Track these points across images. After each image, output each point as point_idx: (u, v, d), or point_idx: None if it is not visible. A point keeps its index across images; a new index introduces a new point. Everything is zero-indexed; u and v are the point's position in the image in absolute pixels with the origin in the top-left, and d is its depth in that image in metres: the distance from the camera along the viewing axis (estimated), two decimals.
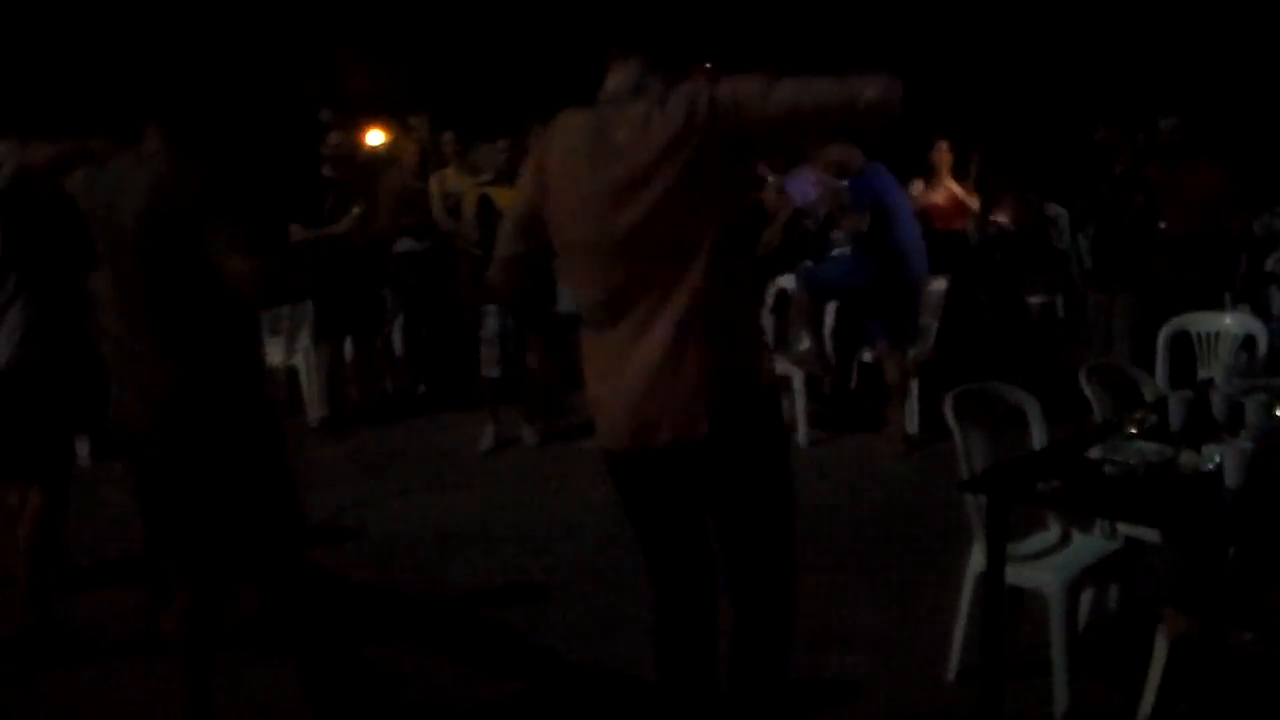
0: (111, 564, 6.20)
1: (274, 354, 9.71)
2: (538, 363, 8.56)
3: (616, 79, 3.20)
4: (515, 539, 6.54)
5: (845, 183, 8.11)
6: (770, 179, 9.33)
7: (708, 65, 3.29)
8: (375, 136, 23.72)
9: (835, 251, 8.82)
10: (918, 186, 10.08)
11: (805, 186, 8.99)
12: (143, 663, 4.90)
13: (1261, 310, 8.56)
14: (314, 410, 9.33)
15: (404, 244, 9.58)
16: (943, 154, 10.15)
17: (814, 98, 2.92)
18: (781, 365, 8.28)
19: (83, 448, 7.35)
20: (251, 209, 3.77)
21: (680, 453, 3.20)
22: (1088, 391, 5.02)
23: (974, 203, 10.18)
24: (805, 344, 8.36)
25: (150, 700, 4.60)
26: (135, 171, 3.76)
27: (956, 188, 10.17)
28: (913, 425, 8.07)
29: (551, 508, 7.09)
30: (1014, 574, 4.17)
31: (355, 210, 8.82)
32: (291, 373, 9.68)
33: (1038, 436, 4.57)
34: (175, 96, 3.86)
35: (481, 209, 8.17)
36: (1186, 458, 3.96)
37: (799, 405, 8.16)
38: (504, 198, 8.09)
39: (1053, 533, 4.66)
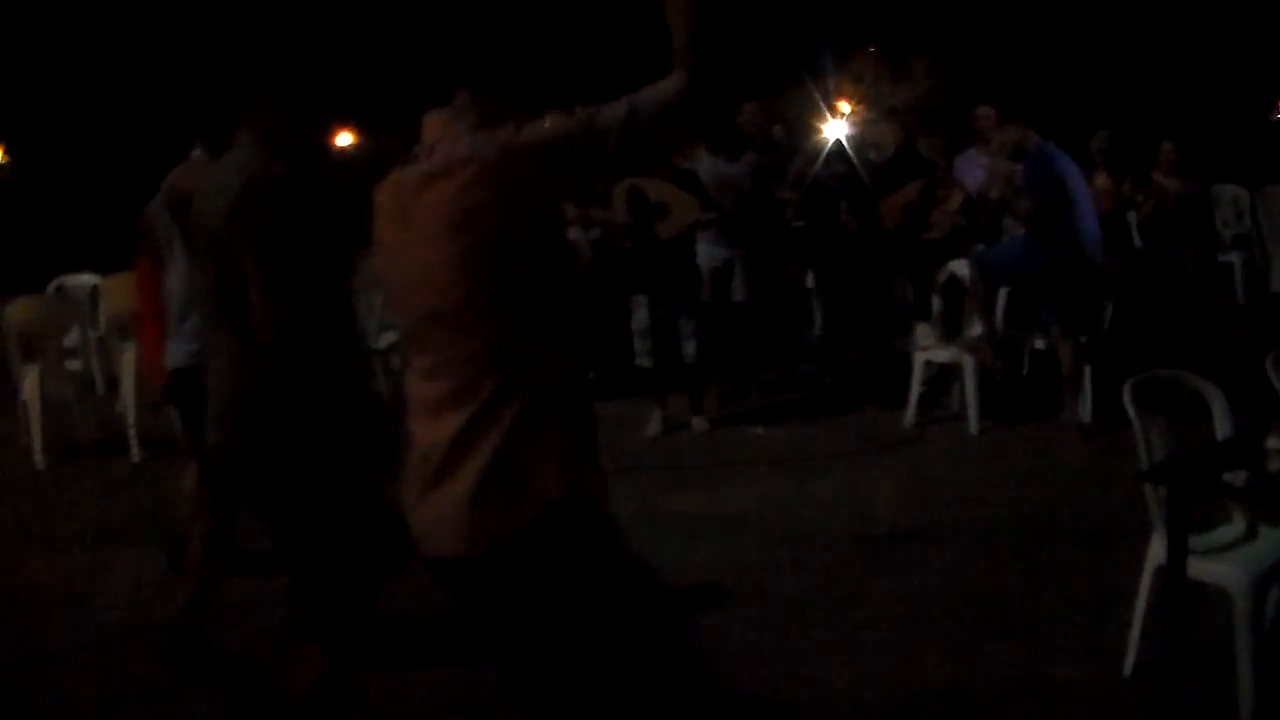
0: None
1: None
2: (695, 351, 8.57)
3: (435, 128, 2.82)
4: (685, 524, 6.55)
5: (1018, 166, 7.97)
6: (941, 163, 9.23)
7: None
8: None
9: (1008, 236, 8.66)
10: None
11: (975, 170, 8.85)
12: None
13: None
14: None
15: (574, 232, 9.65)
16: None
17: (645, 106, 2.58)
18: (952, 352, 8.18)
19: None
20: (311, 233, 3.55)
21: (444, 568, 2.72)
22: (1274, 379, 4.85)
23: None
24: (977, 330, 8.24)
25: None
26: (228, 174, 3.62)
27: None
28: (1086, 413, 7.89)
29: (717, 494, 7.09)
30: (1196, 568, 4.04)
31: None
32: None
33: (1222, 426, 4.43)
34: (275, 95, 3.66)
35: (631, 200, 8.19)
36: None
37: (970, 392, 8.03)
38: (653, 188, 8.11)
39: (1237, 526, 4.51)
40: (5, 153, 28.29)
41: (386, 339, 10.24)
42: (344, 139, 26.78)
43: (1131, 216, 10.61)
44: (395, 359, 10.33)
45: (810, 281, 10.26)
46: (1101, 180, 9.93)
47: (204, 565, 5.11)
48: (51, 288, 10.74)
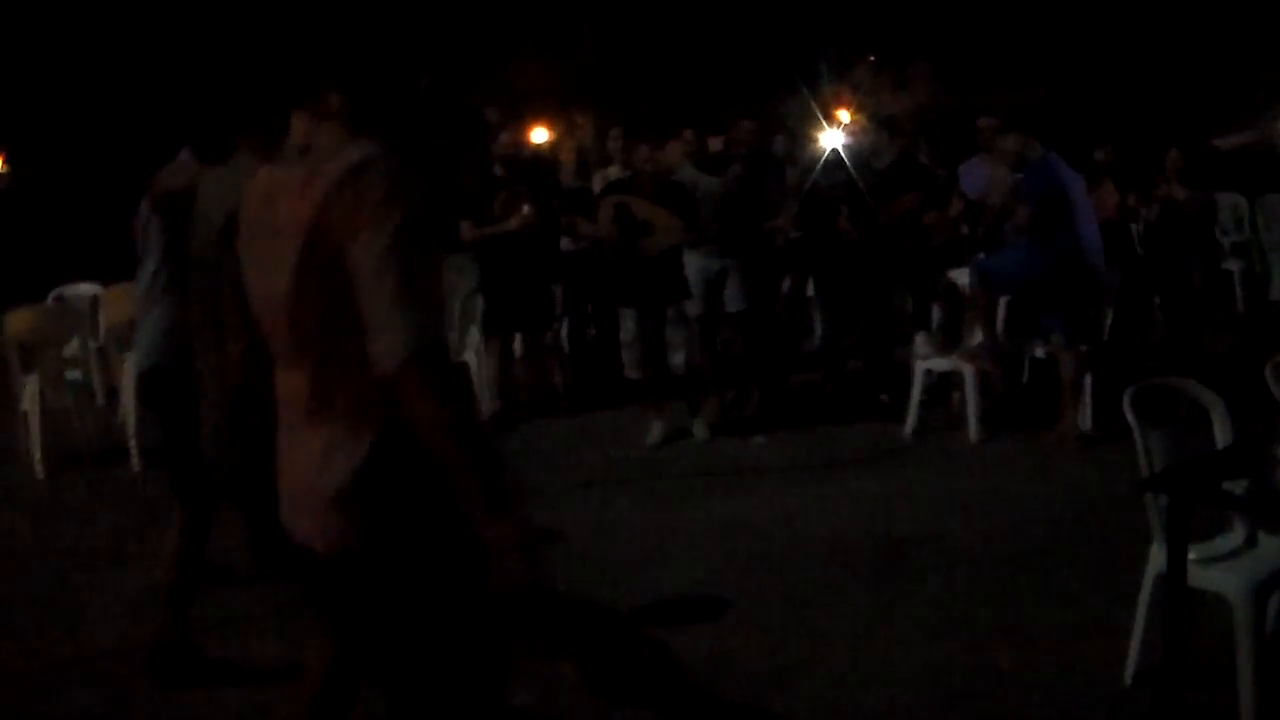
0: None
1: None
2: (698, 360, 8.58)
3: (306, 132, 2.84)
4: (687, 535, 6.55)
5: (1019, 174, 7.99)
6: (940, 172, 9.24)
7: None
8: (540, 134, 24.05)
9: (1009, 244, 8.67)
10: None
11: (978, 179, 8.86)
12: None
13: None
14: (484, 405, 9.46)
15: (566, 242, 9.68)
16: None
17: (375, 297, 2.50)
18: (952, 361, 8.18)
19: None
20: None
21: (308, 560, 2.74)
22: (1274, 387, 4.85)
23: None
24: (977, 338, 8.24)
25: None
26: (222, 184, 3.61)
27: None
28: (1087, 422, 7.89)
29: (719, 503, 7.09)
30: (1196, 576, 4.04)
31: (525, 209, 9.00)
32: (462, 368, 9.84)
33: (1222, 434, 4.42)
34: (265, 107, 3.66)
35: (618, 216, 8.23)
36: None
37: (970, 401, 8.03)
38: (638, 206, 8.14)
39: (1238, 534, 4.49)
40: (5, 162, 28.31)
41: None
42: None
43: (1136, 226, 10.61)
44: None
45: (810, 290, 10.28)
46: (1106, 190, 9.93)
47: (179, 578, 5.02)
48: (51, 297, 10.75)
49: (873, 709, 4.47)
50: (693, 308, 8.67)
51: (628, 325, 8.44)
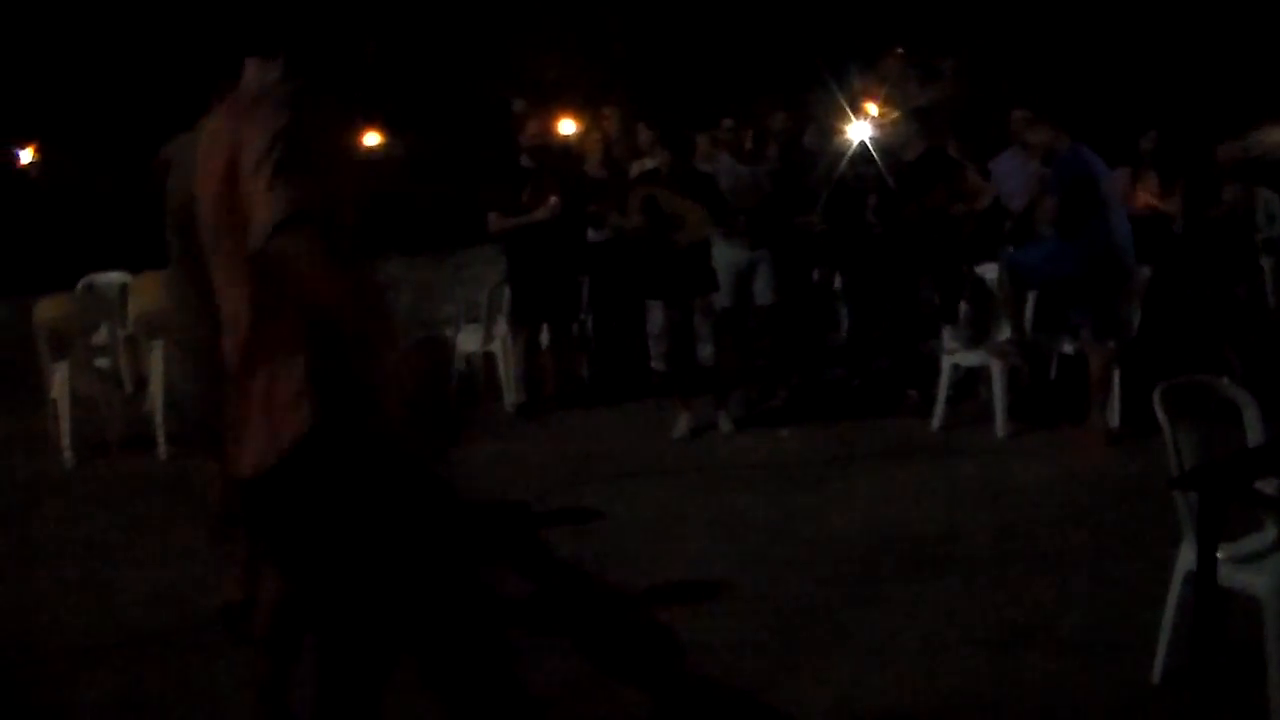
0: None
1: (471, 341, 9.93)
2: (725, 353, 8.55)
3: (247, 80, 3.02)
4: (710, 527, 6.54)
5: (1048, 168, 7.94)
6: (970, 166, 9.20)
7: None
8: (567, 126, 24.05)
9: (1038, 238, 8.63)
10: (1124, 174, 9.80)
11: (1011, 172, 8.81)
12: None
13: None
14: (510, 396, 9.48)
15: (591, 233, 9.68)
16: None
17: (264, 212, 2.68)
18: (980, 355, 8.15)
19: None
20: None
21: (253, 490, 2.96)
22: None
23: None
24: (1005, 333, 8.20)
25: None
26: (185, 150, 3.69)
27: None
28: (1114, 419, 7.84)
29: (744, 497, 7.08)
30: (1226, 575, 4.00)
31: (552, 200, 9.00)
32: (489, 358, 9.87)
33: (1253, 432, 4.38)
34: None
35: (647, 208, 8.20)
36: None
37: (998, 396, 8.00)
38: (667, 199, 8.13)
39: (1269, 534, 4.46)
40: (36, 151, 28.46)
41: (413, 338, 10.19)
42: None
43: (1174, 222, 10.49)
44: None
45: (837, 284, 10.25)
46: (1149, 181, 9.85)
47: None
48: (81, 286, 10.80)
49: (896, 706, 4.45)
50: (721, 300, 8.65)
51: (655, 317, 8.41)
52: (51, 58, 23.10)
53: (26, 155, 29.72)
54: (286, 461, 2.83)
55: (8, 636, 5.52)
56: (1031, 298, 8.48)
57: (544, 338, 9.68)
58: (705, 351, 8.40)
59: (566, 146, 11.19)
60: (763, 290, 8.84)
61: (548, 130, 11.07)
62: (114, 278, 10.72)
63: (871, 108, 11.33)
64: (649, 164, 9.57)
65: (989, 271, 8.49)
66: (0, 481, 8.31)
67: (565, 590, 5.83)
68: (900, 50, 16.51)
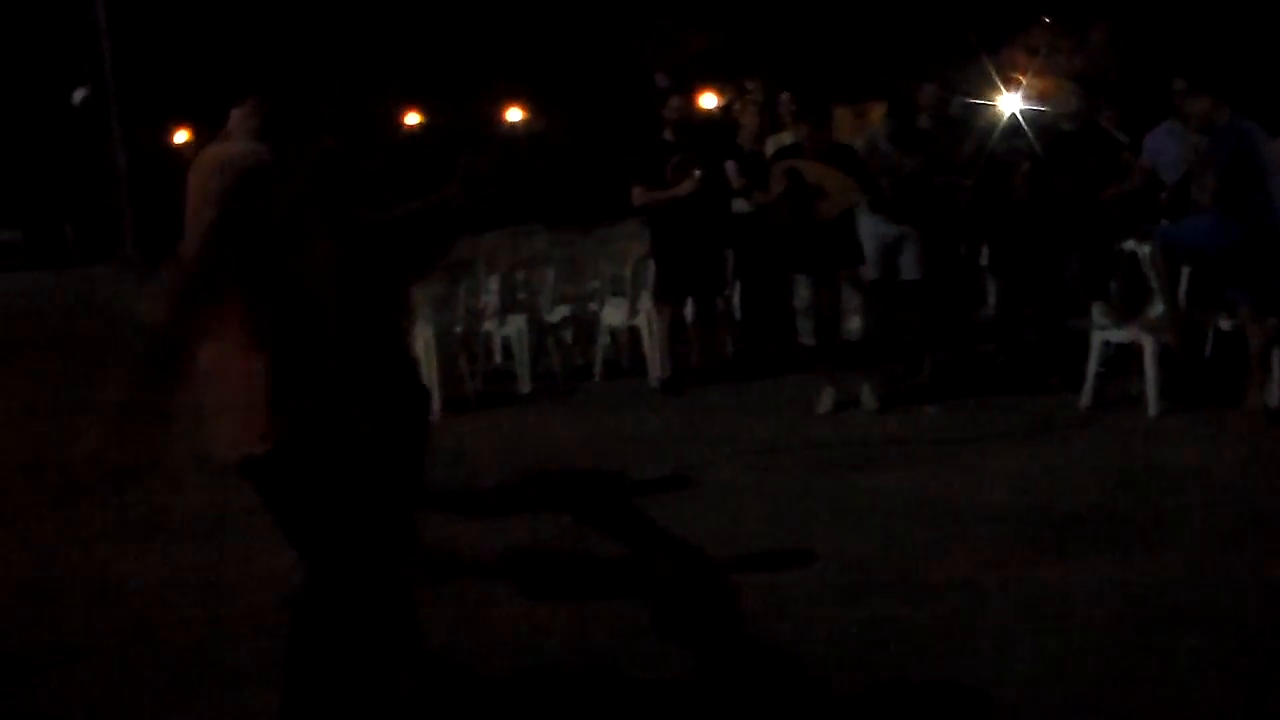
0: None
1: (615, 315, 10.00)
2: (860, 327, 8.48)
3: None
4: (851, 504, 6.50)
5: (1205, 139, 7.74)
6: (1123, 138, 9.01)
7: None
8: (709, 100, 24.05)
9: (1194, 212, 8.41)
10: None
11: (1167, 145, 8.60)
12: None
13: None
14: (655, 371, 9.53)
15: (736, 205, 9.66)
16: None
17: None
18: (1131, 332, 7.97)
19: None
20: None
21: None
22: None
23: None
24: (1158, 310, 8.01)
25: None
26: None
27: None
28: (1274, 398, 7.62)
29: (887, 473, 7.03)
30: None
31: (696, 174, 9.01)
32: (633, 333, 9.92)
33: None
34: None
35: (790, 181, 8.14)
36: None
37: (1150, 374, 7.82)
38: (811, 170, 8.06)
39: None
40: (190, 134, 29.33)
41: (560, 312, 10.36)
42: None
43: None
44: (567, 333, 10.48)
45: (984, 259, 10.11)
46: None
47: None
48: None
49: (1040, 687, 4.35)
50: (868, 273, 8.58)
51: (802, 291, 8.36)
52: (205, 39, 23.70)
53: (181, 137, 30.68)
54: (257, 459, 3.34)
55: (154, 605, 5.61)
56: (1186, 273, 8.27)
57: (688, 312, 9.68)
58: (853, 326, 8.33)
59: (713, 120, 11.20)
60: (909, 265, 8.75)
61: (691, 105, 11.09)
62: None
63: (1021, 79, 11.14)
64: (786, 138, 9.53)
65: (1140, 246, 8.30)
66: None
67: (699, 567, 5.83)
68: (1047, 19, 16.20)
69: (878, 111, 9.10)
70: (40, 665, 5.05)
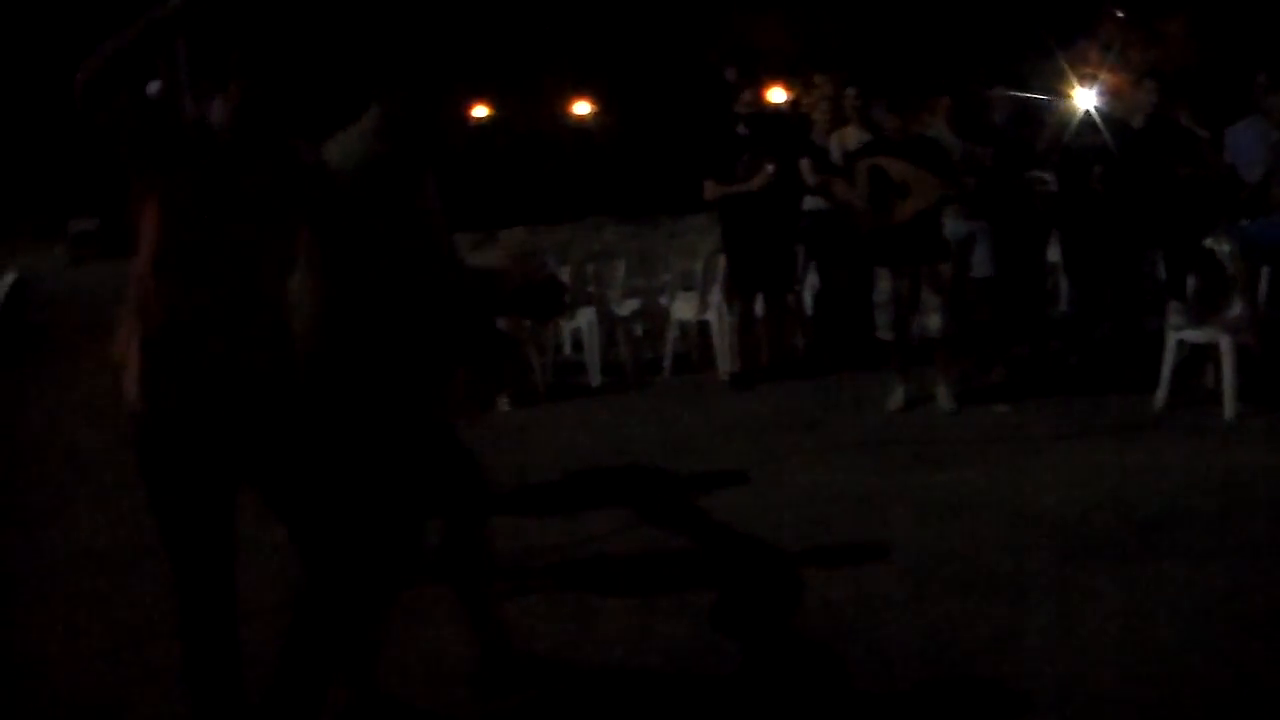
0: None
1: (685, 309, 10.01)
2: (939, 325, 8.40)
3: None
4: (917, 503, 6.47)
5: None
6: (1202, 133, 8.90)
7: None
8: (777, 94, 23.97)
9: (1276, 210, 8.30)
10: None
11: (1249, 141, 8.49)
12: None
13: None
14: (724, 365, 9.53)
15: (811, 202, 9.63)
16: None
17: None
18: (1208, 332, 7.87)
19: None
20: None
21: None
22: None
23: None
24: (1236, 309, 7.90)
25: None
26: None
27: None
28: None
29: (955, 472, 6.99)
30: None
31: (768, 169, 8.99)
32: (703, 327, 9.93)
33: None
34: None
35: (874, 178, 8.08)
36: None
37: (1227, 375, 7.71)
38: (895, 167, 8.01)
39: None
40: None
41: (630, 306, 10.38)
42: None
43: None
44: (637, 326, 10.50)
45: (1054, 256, 10.00)
46: None
47: None
48: None
49: (1100, 691, 4.30)
50: (949, 270, 8.53)
51: (881, 286, 8.24)
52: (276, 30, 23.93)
53: None
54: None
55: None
56: (1266, 272, 8.16)
57: (759, 307, 9.66)
58: (932, 323, 8.24)
59: (782, 114, 11.19)
60: (982, 262, 8.68)
61: (762, 98, 11.07)
62: None
63: (1096, 75, 11.04)
64: (850, 134, 9.47)
65: (1219, 244, 8.19)
66: None
67: (765, 563, 5.83)
68: (1120, 13, 16.01)
69: (944, 106, 9.02)
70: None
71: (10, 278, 19.91)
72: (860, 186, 8.16)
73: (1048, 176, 8.97)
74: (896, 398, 8.35)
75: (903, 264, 8.18)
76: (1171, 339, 8.04)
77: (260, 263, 3.53)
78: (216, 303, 3.43)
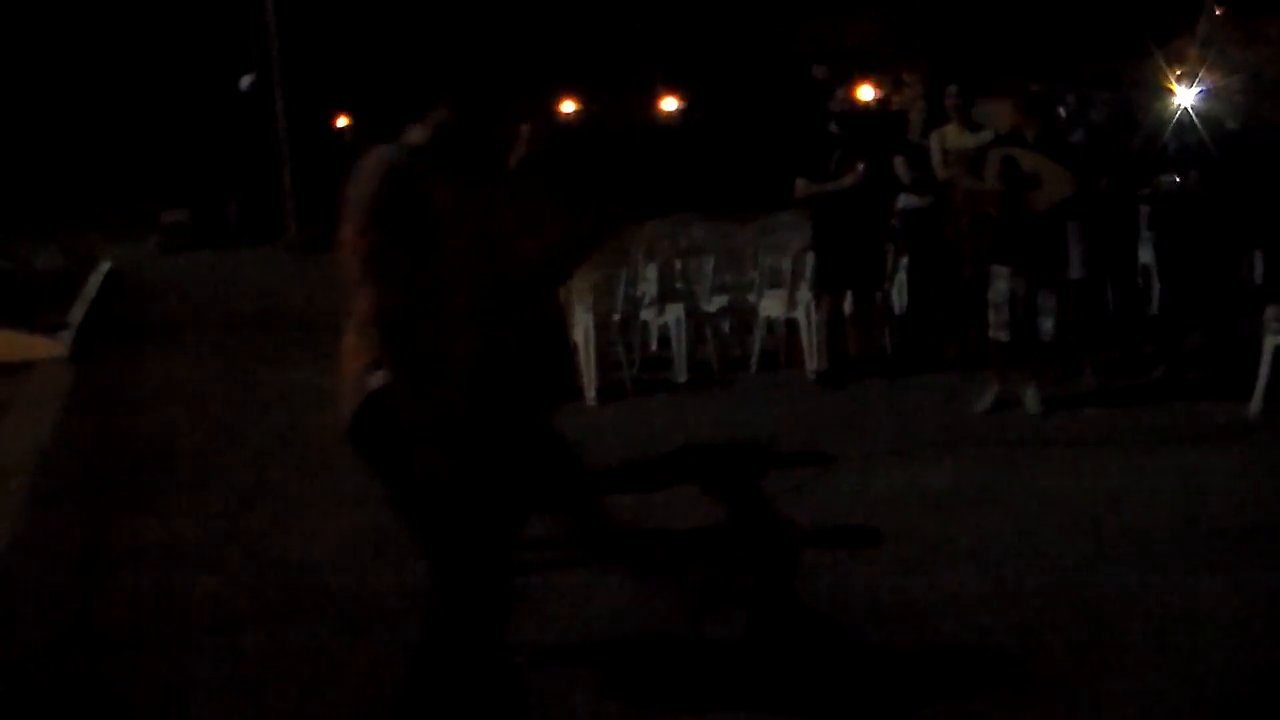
0: None
1: (774, 306, 10.00)
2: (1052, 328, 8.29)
3: None
4: (1001, 507, 6.41)
5: None
6: None
7: None
8: (866, 92, 23.87)
9: None
10: None
11: None
12: None
13: None
14: (812, 363, 9.51)
15: (905, 200, 9.58)
16: None
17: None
18: None
19: None
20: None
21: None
22: None
23: None
24: None
25: None
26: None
27: None
28: None
29: (1041, 476, 6.92)
30: None
31: (860, 166, 8.96)
32: (791, 325, 9.91)
33: None
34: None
35: (1006, 169, 7.99)
36: None
37: None
38: (1027, 159, 7.93)
39: None
40: (349, 119, 30.04)
41: (718, 302, 10.40)
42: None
43: None
44: (725, 323, 10.52)
45: (1146, 257, 9.86)
46: None
47: None
48: None
49: (1197, 706, 4.26)
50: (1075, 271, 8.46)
51: (999, 285, 8.11)
52: (365, 30, 24.27)
53: (342, 122, 31.48)
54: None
55: (317, 580, 5.79)
56: None
57: (848, 305, 9.62)
58: (1046, 326, 8.12)
59: (877, 112, 11.14)
60: (1074, 263, 8.58)
61: (853, 96, 11.03)
62: None
63: (1194, 73, 10.89)
64: (950, 133, 9.40)
65: None
66: (314, 429, 8.58)
67: (845, 559, 5.82)
68: (1220, 11, 15.75)
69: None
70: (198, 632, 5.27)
71: (105, 266, 20.25)
72: (991, 177, 8.04)
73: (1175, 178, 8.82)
74: (986, 399, 8.26)
75: (1029, 265, 8.04)
76: (1270, 343, 7.90)
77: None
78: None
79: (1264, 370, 7.88)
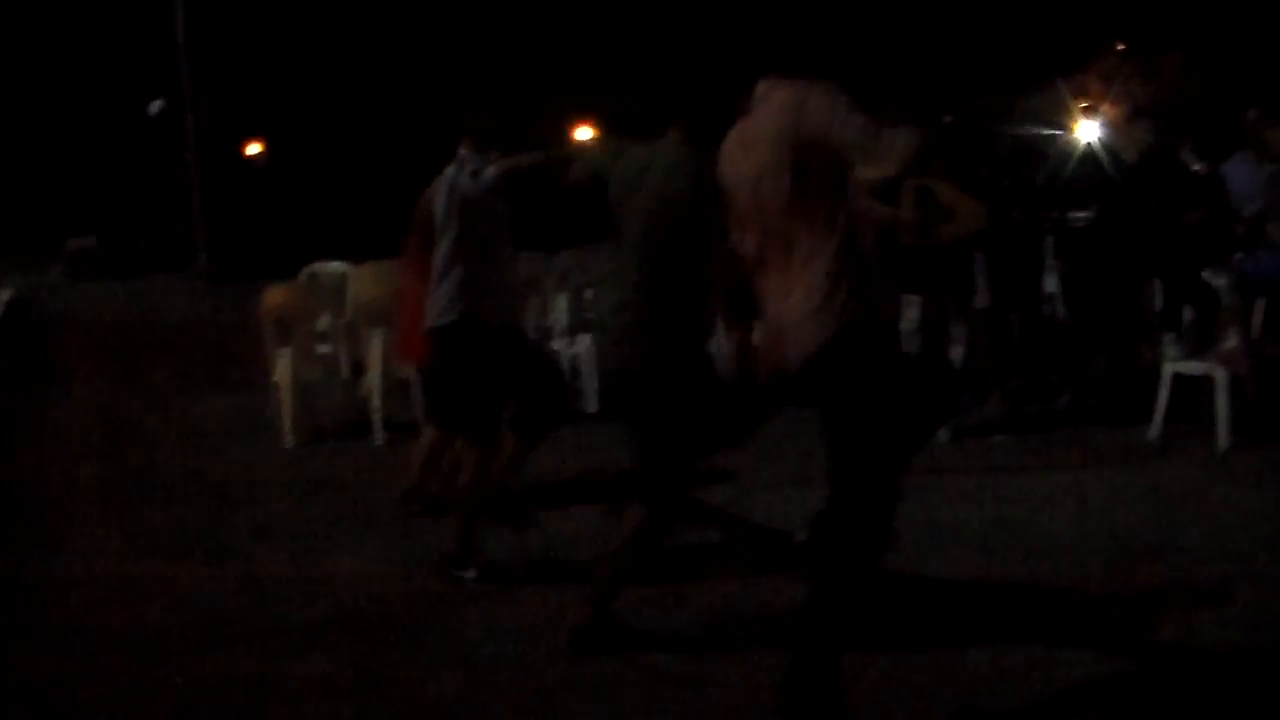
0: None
1: None
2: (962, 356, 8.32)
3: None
4: (912, 535, 6.38)
5: None
6: (1198, 167, 8.89)
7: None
8: None
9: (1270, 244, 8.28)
10: None
11: (1243, 176, 8.48)
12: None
13: None
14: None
15: None
16: None
17: (856, 137, 4.12)
18: (1203, 364, 7.84)
19: None
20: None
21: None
22: None
23: None
24: (1232, 342, 7.87)
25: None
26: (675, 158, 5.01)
27: None
28: None
29: (950, 505, 6.94)
30: None
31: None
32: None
33: None
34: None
35: (921, 199, 8.00)
36: None
37: (1221, 407, 7.67)
38: (943, 191, 7.95)
39: None
40: (263, 145, 29.60)
41: None
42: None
43: None
44: None
45: (1051, 286, 9.95)
46: None
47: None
48: (304, 275, 11.20)
49: None
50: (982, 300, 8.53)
51: (909, 313, 8.13)
52: (278, 57, 23.94)
53: (254, 149, 31.08)
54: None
55: (227, 613, 5.77)
56: (1261, 305, 8.13)
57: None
58: (956, 354, 8.15)
59: None
60: (980, 292, 8.64)
61: None
62: (335, 267, 11.09)
63: (1096, 107, 11.03)
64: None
65: (1215, 277, 8.16)
66: (225, 463, 8.66)
67: (737, 597, 5.80)
68: (1120, 46, 15.98)
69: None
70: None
71: (5, 295, 19.85)
72: (906, 204, 8.06)
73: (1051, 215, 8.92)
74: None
75: (934, 292, 8.08)
76: (1167, 371, 8.01)
77: None
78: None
79: (1163, 396, 7.98)
